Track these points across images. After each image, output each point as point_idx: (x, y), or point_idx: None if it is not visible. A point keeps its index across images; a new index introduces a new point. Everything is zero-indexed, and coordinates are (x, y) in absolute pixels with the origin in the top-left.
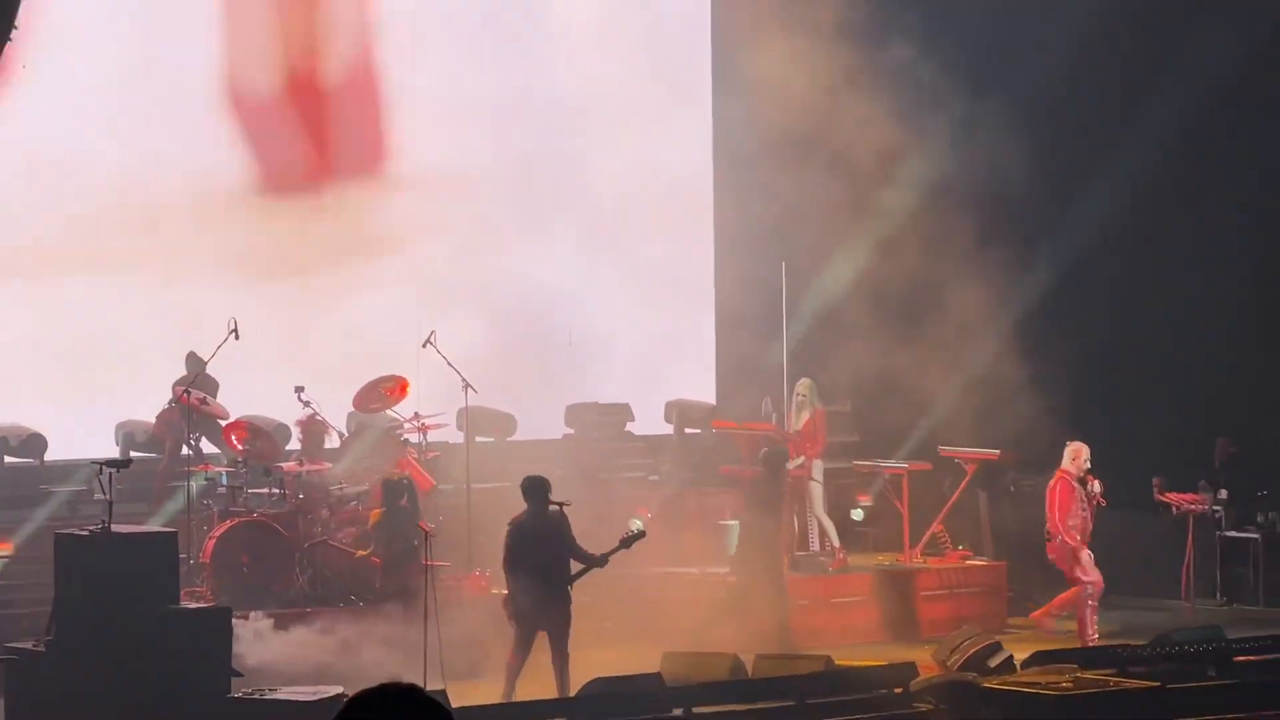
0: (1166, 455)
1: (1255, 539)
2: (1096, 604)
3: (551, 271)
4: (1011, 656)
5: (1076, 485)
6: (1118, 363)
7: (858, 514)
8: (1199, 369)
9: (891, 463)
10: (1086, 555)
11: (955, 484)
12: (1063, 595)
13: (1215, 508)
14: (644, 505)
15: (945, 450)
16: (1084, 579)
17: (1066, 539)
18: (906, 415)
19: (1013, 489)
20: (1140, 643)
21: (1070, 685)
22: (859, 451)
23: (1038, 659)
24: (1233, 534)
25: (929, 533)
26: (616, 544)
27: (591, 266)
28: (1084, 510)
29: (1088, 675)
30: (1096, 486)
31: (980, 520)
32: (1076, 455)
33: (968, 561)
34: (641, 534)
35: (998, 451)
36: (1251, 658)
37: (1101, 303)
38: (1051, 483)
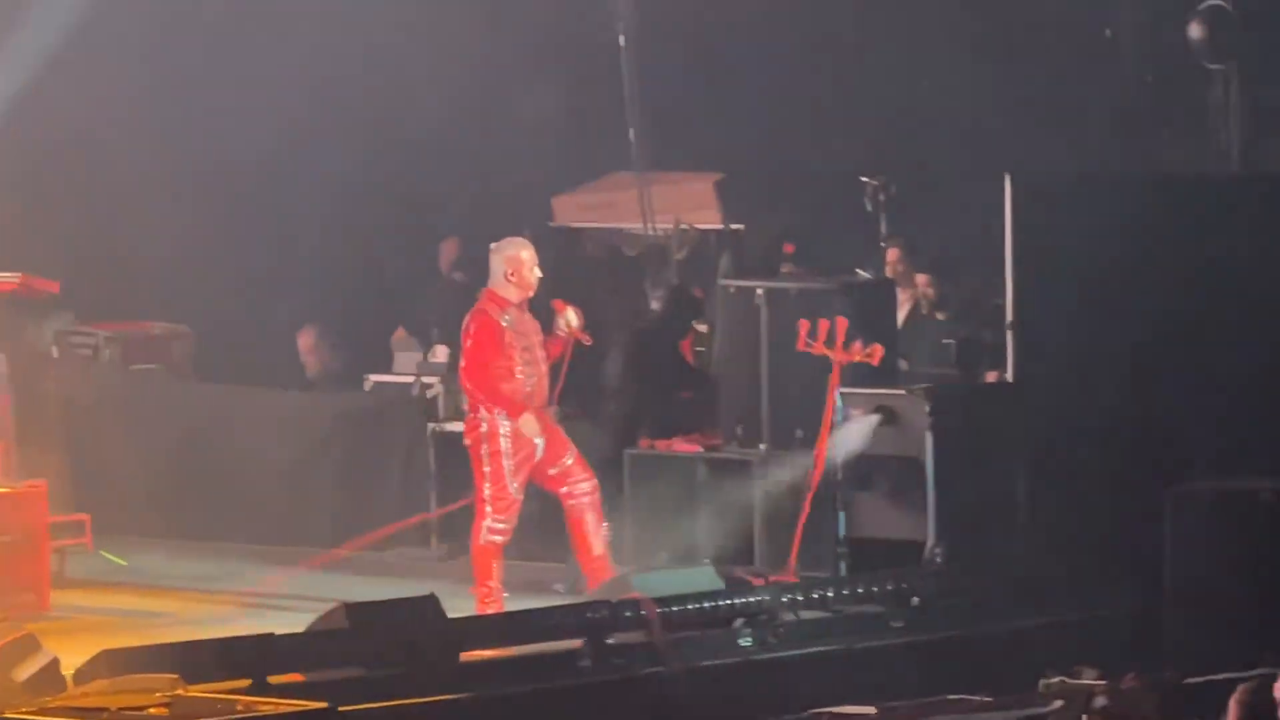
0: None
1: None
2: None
3: None
4: (57, 661)
5: (505, 318)
6: None
7: None
8: None
9: None
10: (510, 444)
11: None
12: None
13: (426, 380)
14: None
15: None
16: (485, 496)
17: (480, 402)
18: None
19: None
20: (297, 631)
21: (165, 712)
22: None
23: (105, 663)
24: (452, 428)
25: None
26: None
27: None
28: (526, 360)
29: (197, 692)
30: (573, 319)
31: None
32: (517, 264)
33: None
34: None
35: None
36: (485, 653)
37: None
38: (477, 307)
